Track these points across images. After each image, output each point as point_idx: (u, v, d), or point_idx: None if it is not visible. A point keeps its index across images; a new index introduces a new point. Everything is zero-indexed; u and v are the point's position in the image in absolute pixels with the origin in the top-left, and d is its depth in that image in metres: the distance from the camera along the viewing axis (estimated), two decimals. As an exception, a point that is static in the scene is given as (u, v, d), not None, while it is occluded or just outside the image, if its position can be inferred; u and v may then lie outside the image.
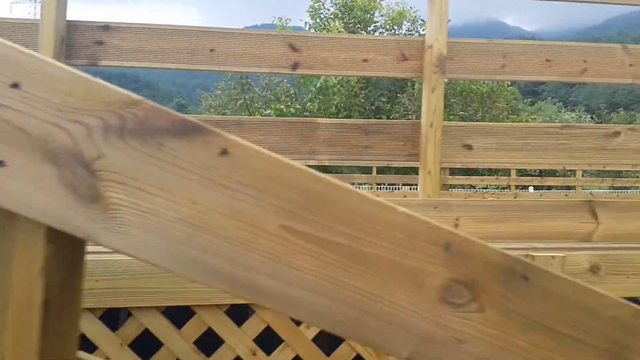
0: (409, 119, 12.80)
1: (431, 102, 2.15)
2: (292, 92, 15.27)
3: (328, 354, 1.64)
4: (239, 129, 2.23)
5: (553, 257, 1.93)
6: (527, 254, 2.01)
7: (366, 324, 0.63)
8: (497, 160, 2.28)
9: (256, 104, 15.70)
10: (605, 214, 2.14)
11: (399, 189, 11.60)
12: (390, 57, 2.22)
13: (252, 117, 2.23)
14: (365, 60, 2.21)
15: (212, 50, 2.21)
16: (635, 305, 0.67)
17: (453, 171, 10.83)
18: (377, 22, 16.74)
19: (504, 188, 11.42)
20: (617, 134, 2.27)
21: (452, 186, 10.95)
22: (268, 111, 14.33)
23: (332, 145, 2.22)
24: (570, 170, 12.64)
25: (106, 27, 2.29)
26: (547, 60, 2.26)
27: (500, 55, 2.24)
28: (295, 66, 2.21)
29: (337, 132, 2.23)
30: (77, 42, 2.15)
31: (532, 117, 20.31)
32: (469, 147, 2.24)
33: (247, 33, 2.22)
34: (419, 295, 0.62)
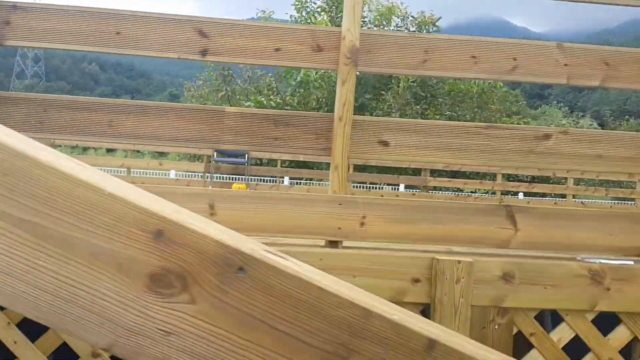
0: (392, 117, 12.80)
1: (342, 95, 2.11)
2: (274, 85, 15.22)
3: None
4: (145, 115, 2.19)
5: (459, 262, 1.90)
6: (432, 257, 1.98)
7: (66, 311, 0.61)
8: (414, 159, 2.24)
9: (238, 96, 15.67)
10: (525, 220, 2.11)
11: (380, 189, 11.55)
12: (305, 47, 2.18)
13: (160, 102, 2.20)
14: (278, 50, 2.17)
15: (118, 33, 2.16)
16: (366, 307, 0.64)
17: (434, 173, 10.80)
18: (366, 17, 16.65)
19: (493, 193, 11.37)
20: (547, 137, 2.23)
21: (435, 188, 10.92)
22: (248, 103, 14.30)
23: (238, 134, 2.18)
24: (564, 178, 12.60)
25: (14, 7, 2.25)
26: (473, 57, 2.22)
27: (422, 50, 2.20)
28: (204, 52, 2.17)
29: (245, 122, 2.18)
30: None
31: (524, 120, 20.15)
32: (384, 143, 2.20)
33: (155, 17, 2.18)
34: (124, 283, 0.59)
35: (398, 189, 11.33)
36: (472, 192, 13.86)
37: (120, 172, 9.77)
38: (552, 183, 13.75)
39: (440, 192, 11.95)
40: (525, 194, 12.85)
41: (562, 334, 2.05)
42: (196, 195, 2.09)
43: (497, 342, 2.02)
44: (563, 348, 2.06)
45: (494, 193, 11.19)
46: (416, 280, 2.00)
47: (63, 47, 2.26)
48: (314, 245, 2.13)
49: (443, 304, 1.96)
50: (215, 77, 15.26)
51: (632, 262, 2.09)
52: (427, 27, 16.05)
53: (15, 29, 2.24)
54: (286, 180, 11.09)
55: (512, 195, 12.99)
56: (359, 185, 11.99)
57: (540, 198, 13.37)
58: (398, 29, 16.91)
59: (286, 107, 13.84)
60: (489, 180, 11.58)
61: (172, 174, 10.68)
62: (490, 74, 2.24)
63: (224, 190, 2.12)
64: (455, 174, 12.25)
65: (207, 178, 7.55)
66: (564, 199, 12.22)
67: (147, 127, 2.17)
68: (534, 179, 14.13)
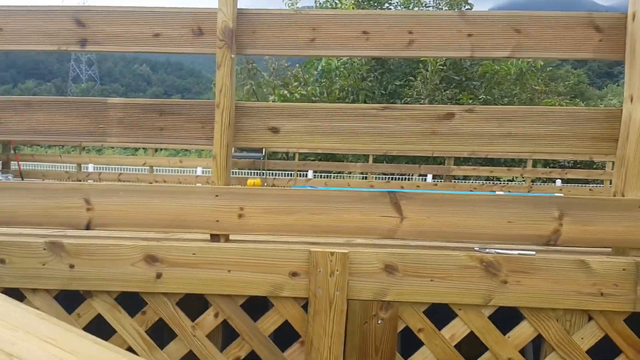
0: (421, 104, 12.38)
1: (218, 80, 2.01)
2: (301, 76, 15.01)
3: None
4: (29, 110, 2.16)
5: (332, 253, 1.80)
6: (307, 249, 1.86)
7: None
8: (303, 145, 2.11)
9: (264, 89, 15.59)
10: (411, 207, 1.96)
11: (409, 179, 11.26)
12: (186, 31, 2.09)
13: (43, 97, 2.16)
14: (156, 35, 2.10)
15: (0, 29, 2.15)
16: None
17: (458, 161, 10.42)
18: (393, 1, 16.20)
19: (523, 180, 10.83)
20: (450, 116, 2.06)
21: (456, 177, 10.53)
22: (272, 97, 14.20)
23: (124, 126, 2.12)
24: (600, 162, 11.85)
25: None
26: (364, 33, 2.07)
27: (309, 28, 2.07)
28: (83, 42, 2.12)
29: (130, 113, 2.12)
30: None
31: (574, 101, 18.95)
32: (274, 130, 2.09)
33: (34, 9, 2.14)
34: None
35: (426, 179, 11.03)
36: (509, 180, 13.27)
37: (143, 171, 9.97)
38: (595, 168, 12.97)
39: (467, 181, 11.50)
40: (564, 181, 12.16)
41: (455, 330, 1.89)
42: (72, 189, 2.04)
43: (380, 338, 1.88)
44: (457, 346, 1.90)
45: (524, 180, 10.66)
46: (294, 274, 1.89)
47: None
48: (195, 239, 2.05)
49: (318, 298, 1.85)
50: (239, 71, 15.17)
51: (533, 253, 1.89)
52: (459, 5, 15.40)
53: None
54: (310, 173, 11.01)
55: (545, 182, 12.26)
56: (383, 176, 11.73)
57: (578, 185, 12.66)
58: (427, 7, 16.35)
59: (313, 99, 13.59)
60: (520, 167, 11.02)
61: (199, 170, 10.83)
62: (383, 50, 2.07)
63: (100, 185, 2.06)
64: (482, 162, 11.68)
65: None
66: (601, 185, 11.54)
67: (31, 121, 2.15)
68: (576, 164, 13.35)
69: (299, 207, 1.99)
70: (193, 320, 1.96)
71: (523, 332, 1.88)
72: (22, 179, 8.32)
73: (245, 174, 9.62)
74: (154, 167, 9.61)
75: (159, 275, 1.92)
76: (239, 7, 2.09)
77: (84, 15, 2.12)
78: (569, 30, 2.03)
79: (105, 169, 11.19)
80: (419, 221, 1.97)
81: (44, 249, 1.92)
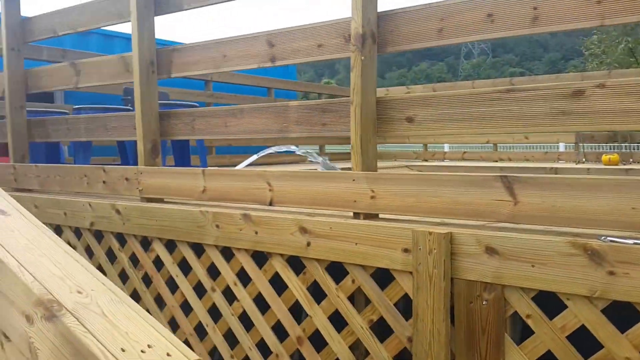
0: None
1: (351, 80, 2.33)
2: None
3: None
4: (242, 115, 2.88)
5: (430, 232, 2.03)
6: (412, 228, 2.10)
7: None
8: (437, 133, 2.25)
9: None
10: (525, 191, 1.96)
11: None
12: (339, 39, 2.47)
13: (248, 105, 2.62)
14: (319, 46, 2.54)
15: (224, 56, 2.92)
16: None
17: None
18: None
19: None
20: (579, 93, 1.94)
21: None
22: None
23: (299, 124, 2.65)
24: None
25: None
26: (489, 15, 2.10)
27: (437, 19, 2.22)
28: (273, 59, 2.71)
29: (302, 113, 2.64)
30: None
31: None
32: (409, 119, 2.31)
33: (240, 38, 2.83)
34: None
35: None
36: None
37: (485, 149, 10.34)
38: None
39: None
40: None
41: (565, 321, 1.83)
42: (258, 175, 2.65)
43: (486, 319, 1.95)
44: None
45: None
46: (405, 250, 2.11)
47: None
48: (341, 216, 2.43)
49: (419, 273, 2.04)
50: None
51: (648, 243, 1.65)
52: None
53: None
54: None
55: None
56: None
57: None
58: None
59: None
60: None
61: (562, 146, 10.52)
62: (507, 31, 2.01)
63: (276, 171, 2.63)
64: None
65: (581, 148, 7.50)
66: None
67: (241, 124, 2.87)
68: None
69: (416, 191, 2.17)
70: (337, 283, 2.36)
71: (641, 333, 1.67)
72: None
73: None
74: (497, 145, 9.72)
75: (308, 244, 2.38)
76: (380, 9, 2.36)
77: (272, 38, 2.70)
78: None
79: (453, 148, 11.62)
80: (533, 206, 1.92)
81: (240, 219, 2.60)
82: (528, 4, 2.00)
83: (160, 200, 3.13)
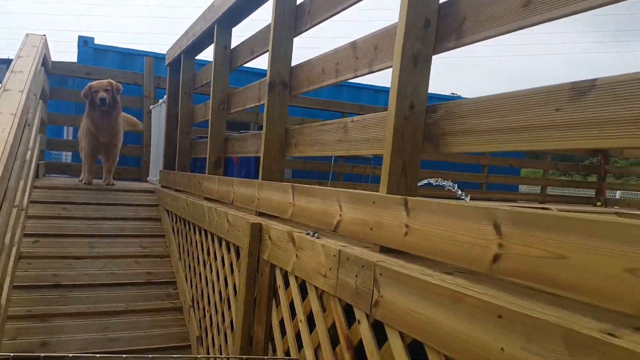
0: None
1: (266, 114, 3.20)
2: None
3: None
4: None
5: (248, 223, 2.87)
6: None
7: None
8: (309, 153, 2.93)
9: None
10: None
11: None
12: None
13: None
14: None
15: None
16: None
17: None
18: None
19: None
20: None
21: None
22: None
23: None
24: None
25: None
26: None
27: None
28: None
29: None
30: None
31: None
32: (295, 144, 3.08)
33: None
34: None
35: None
36: None
37: None
38: None
39: None
40: None
41: (294, 289, 2.43)
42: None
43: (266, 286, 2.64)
44: None
45: None
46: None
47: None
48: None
49: (243, 249, 2.82)
50: None
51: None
52: None
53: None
54: None
55: None
56: None
57: None
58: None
59: None
60: None
61: None
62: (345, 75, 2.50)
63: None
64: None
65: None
66: None
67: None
68: None
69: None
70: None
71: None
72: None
73: None
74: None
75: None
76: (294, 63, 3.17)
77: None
78: None
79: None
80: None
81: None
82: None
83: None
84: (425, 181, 5.40)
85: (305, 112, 8.02)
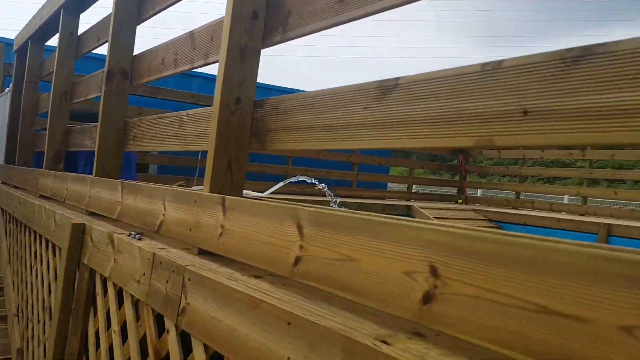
0: None
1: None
2: None
3: None
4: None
5: (71, 224, 2.57)
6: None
7: None
8: (148, 148, 2.72)
9: None
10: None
11: None
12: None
13: None
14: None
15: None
16: None
17: None
18: None
19: None
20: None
21: None
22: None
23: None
24: None
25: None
26: None
27: None
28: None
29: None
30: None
31: None
32: (134, 137, 2.85)
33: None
34: None
35: None
36: None
37: (575, 202, 9.89)
38: None
39: None
40: None
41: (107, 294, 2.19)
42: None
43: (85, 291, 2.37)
44: None
45: None
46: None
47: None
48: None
49: (62, 257, 2.53)
50: None
51: None
52: None
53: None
54: None
55: None
56: None
57: None
58: None
59: None
60: None
61: None
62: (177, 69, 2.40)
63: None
64: None
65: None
66: None
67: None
68: None
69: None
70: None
71: None
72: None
73: None
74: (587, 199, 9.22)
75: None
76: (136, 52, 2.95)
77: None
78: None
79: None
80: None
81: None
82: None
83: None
84: (294, 178, 5.35)
85: (168, 104, 7.30)
